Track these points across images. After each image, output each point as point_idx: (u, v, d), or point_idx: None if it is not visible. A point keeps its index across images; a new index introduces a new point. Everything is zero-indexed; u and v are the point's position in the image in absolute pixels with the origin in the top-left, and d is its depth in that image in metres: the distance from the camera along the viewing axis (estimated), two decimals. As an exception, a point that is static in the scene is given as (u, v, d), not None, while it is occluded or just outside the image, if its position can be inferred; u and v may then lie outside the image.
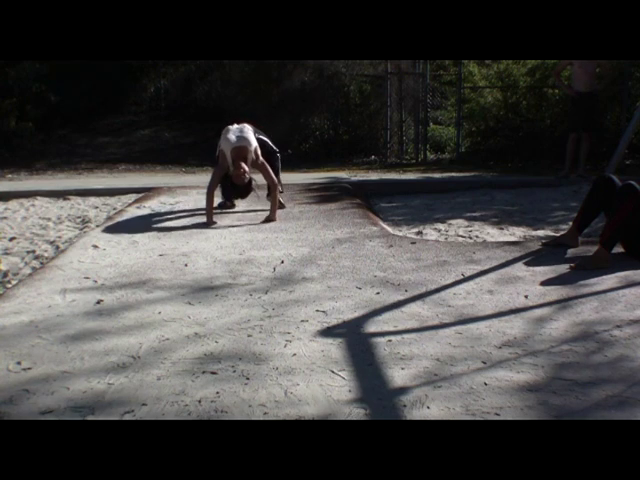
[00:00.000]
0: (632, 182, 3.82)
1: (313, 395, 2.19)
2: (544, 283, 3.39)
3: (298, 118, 11.08)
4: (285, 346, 2.61)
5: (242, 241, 4.46)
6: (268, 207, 5.26)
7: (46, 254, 4.44)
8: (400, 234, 4.89)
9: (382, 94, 10.76)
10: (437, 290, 3.30)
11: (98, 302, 3.18)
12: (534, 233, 4.99)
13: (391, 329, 2.78)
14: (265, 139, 5.60)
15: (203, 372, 2.37)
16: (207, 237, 4.62)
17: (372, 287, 3.36)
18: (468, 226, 5.28)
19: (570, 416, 2.02)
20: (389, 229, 5.01)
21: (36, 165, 10.23)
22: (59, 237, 4.95)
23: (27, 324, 2.90)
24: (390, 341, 2.65)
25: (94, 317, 2.98)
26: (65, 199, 6.83)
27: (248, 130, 5.29)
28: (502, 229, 5.15)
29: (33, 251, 4.52)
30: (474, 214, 5.81)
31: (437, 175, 8.37)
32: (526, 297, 3.18)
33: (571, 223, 4.21)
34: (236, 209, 5.62)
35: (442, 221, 5.50)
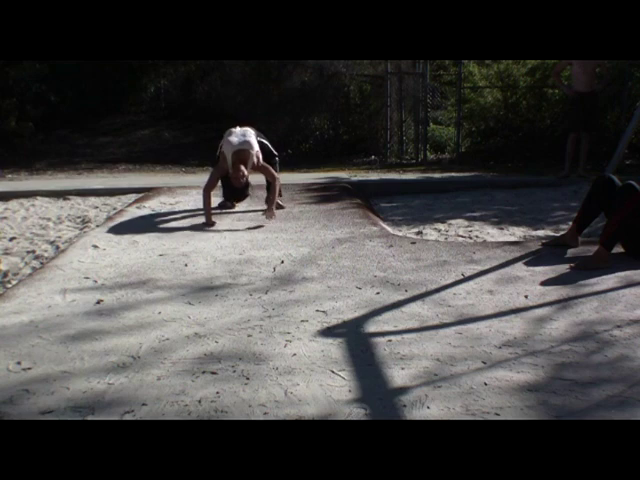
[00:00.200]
0: (632, 182, 3.82)
1: (313, 395, 2.19)
2: (544, 283, 3.39)
3: (298, 118, 11.08)
4: (285, 346, 2.61)
5: (242, 241, 4.46)
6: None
7: (46, 254, 4.44)
8: (400, 234, 4.89)
9: (382, 94, 10.76)
10: (437, 290, 3.30)
11: (98, 302, 3.18)
12: (534, 233, 4.99)
13: (391, 329, 2.78)
14: (265, 142, 5.60)
15: (203, 372, 2.37)
16: (207, 237, 4.62)
17: (372, 287, 3.36)
18: (468, 226, 5.28)
19: (570, 416, 2.02)
20: (389, 229, 5.01)
21: (36, 165, 10.23)
22: (59, 237, 4.95)
23: (27, 324, 2.90)
24: (390, 341, 2.65)
25: (94, 317, 2.98)
26: (65, 199, 6.83)
27: (251, 134, 5.30)
28: (502, 229, 5.16)
29: (33, 251, 4.52)
30: (474, 214, 5.81)
31: (437, 175, 8.36)
32: (526, 297, 3.18)
33: (571, 223, 4.21)
34: (236, 209, 5.62)
35: (442, 221, 5.50)
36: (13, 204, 6.54)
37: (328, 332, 2.76)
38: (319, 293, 3.28)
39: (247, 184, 5.15)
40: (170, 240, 4.52)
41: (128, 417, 2.06)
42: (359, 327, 2.82)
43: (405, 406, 2.10)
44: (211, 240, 4.51)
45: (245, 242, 4.42)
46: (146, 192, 6.83)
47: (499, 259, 3.86)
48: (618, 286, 3.33)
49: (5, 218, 5.80)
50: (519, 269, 3.66)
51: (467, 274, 3.57)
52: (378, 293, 3.26)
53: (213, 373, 2.37)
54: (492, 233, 5.01)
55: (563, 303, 3.09)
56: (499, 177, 8.14)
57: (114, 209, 6.08)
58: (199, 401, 2.15)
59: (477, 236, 4.89)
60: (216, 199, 5.54)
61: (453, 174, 8.43)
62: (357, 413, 2.06)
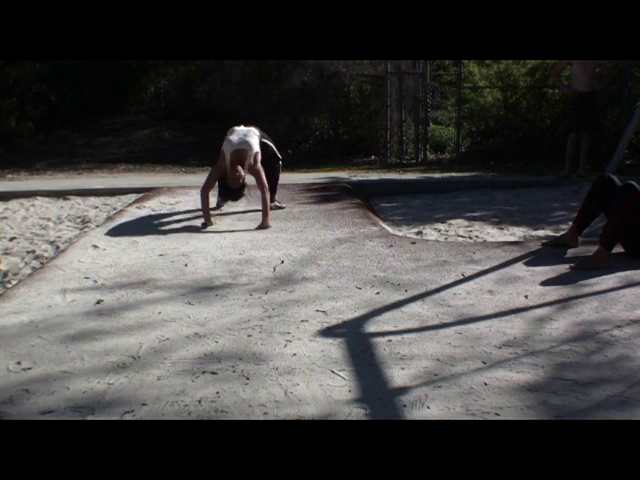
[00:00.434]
0: (632, 182, 3.82)
1: (313, 395, 2.19)
2: (544, 283, 3.39)
3: (298, 118, 11.08)
4: (285, 346, 2.61)
5: (242, 241, 4.46)
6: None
7: (46, 254, 4.44)
8: (400, 234, 4.89)
9: (382, 94, 10.76)
10: (437, 290, 3.30)
11: (98, 302, 3.18)
12: (534, 233, 4.99)
13: (391, 329, 2.78)
14: (270, 144, 5.52)
15: (203, 372, 2.37)
16: (207, 237, 4.62)
17: (372, 287, 3.36)
18: (468, 226, 5.28)
19: (570, 416, 2.02)
20: (389, 229, 5.01)
21: (36, 165, 10.23)
22: (59, 237, 4.95)
23: (27, 324, 2.90)
24: (390, 341, 2.65)
25: (94, 317, 2.98)
26: (65, 199, 6.83)
27: (253, 134, 5.21)
28: (502, 229, 5.16)
29: (33, 251, 4.52)
30: (474, 214, 5.81)
31: (437, 175, 8.36)
32: (526, 297, 3.18)
33: (571, 223, 4.21)
34: (236, 209, 5.60)
35: (442, 221, 5.50)
36: (13, 204, 6.54)
37: (328, 332, 2.76)
38: (319, 293, 3.28)
39: (243, 185, 5.06)
40: (170, 240, 4.52)
41: (128, 417, 2.06)
42: (359, 327, 2.82)
43: (405, 406, 2.10)
44: (211, 240, 4.51)
45: (245, 242, 4.42)
46: (146, 192, 6.83)
47: (499, 259, 3.86)
48: (618, 286, 3.33)
49: (5, 218, 5.80)
50: (519, 269, 3.66)
51: (467, 274, 3.57)
52: (378, 293, 3.26)
53: (213, 373, 2.37)
54: (492, 233, 5.01)
55: (563, 303, 3.09)
56: (499, 177, 8.14)
57: (114, 209, 6.08)
58: (199, 401, 2.15)
59: (477, 236, 4.89)
60: (213, 199, 5.53)
61: (453, 174, 8.43)
62: (357, 413, 2.06)
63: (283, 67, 11.18)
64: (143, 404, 2.14)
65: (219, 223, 5.08)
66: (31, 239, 4.92)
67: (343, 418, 2.03)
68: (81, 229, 5.24)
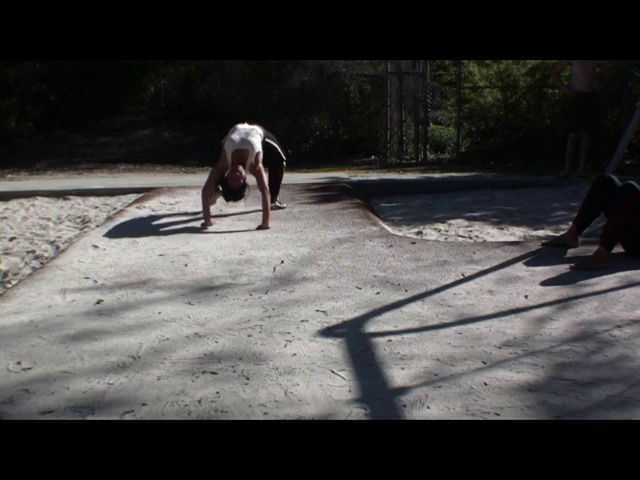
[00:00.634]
0: (632, 182, 3.82)
1: (313, 395, 2.19)
2: (544, 283, 3.39)
3: (298, 118, 11.08)
4: (285, 346, 2.61)
5: (242, 241, 4.46)
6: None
7: (46, 254, 4.44)
8: (400, 234, 4.88)
9: (382, 94, 10.76)
10: (437, 290, 3.30)
11: (98, 302, 3.18)
12: (534, 233, 4.99)
13: (391, 329, 2.78)
14: (274, 145, 5.46)
15: (203, 372, 2.37)
16: (207, 237, 4.62)
17: (372, 287, 3.36)
18: (468, 226, 5.28)
19: (570, 416, 2.02)
20: (389, 229, 5.01)
21: (36, 165, 10.23)
22: (59, 237, 4.95)
23: (27, 324, 2.90)
24: (390, 341, 2.65)
25: (94, 317, 2.98)
26: (65, 199, 6.83)
27: (256, 133, 5.14)
28: (502, 229, 5.16)
29: (33, 251, 4.52)
30: (474, 214, 5.81)
31: (437, 175, 8.37)
32: (526, 297, 3.18)
33: (571, 223, 4.21)
34: (236, 209, 5.60)
35: (442, 221, 5.50)
36: (13, 204, 6.54)
37: (328, 332, 2.76)
38: (319, 293, 3.28)
39: (244, 185, 5.00)
40: (170, 240, 4.52)
41: (128, 417, 2.06)
42: (359, 327, 2.82)
43: (405, 406, 2.10)
44: (211, 240, 4.51)
45: (245, 242, 4.42)
46: (146, 192, 6.83)
47: (499, 259, 3.86)
48: (618, 286, 3.33)
49: (5, 218, 5.80)
50: (519, 269, 3.66)
51: (467, 274, 3.57)
52: (378, 293, 3.26)
53: (213, 373, 2.37)
54: (492, 233, 5.01)
55: (563, 303, 3.09)
56: (499, 177, 8.14)
57: (114, 209, 6.08)
58: (199, 401, 2.15)
59: (477, 236, 4.89)
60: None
61: (453, 174, 8.43)
62: (357, 413, 2.06)
63: (283, 67, 11.18)
64: (143, 404, 2.14)
65: (219, 223, 5.08)
66: (31, 239, 4.92)
67: (343, 418, 2.03)
68: (81, 229, 5.24)
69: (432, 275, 3.56)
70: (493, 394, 2.18)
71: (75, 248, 4.34)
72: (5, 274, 4.03)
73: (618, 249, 3.84)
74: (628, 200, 3.71)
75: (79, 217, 5.78)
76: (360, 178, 8.05)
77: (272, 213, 5.11)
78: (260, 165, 5.02)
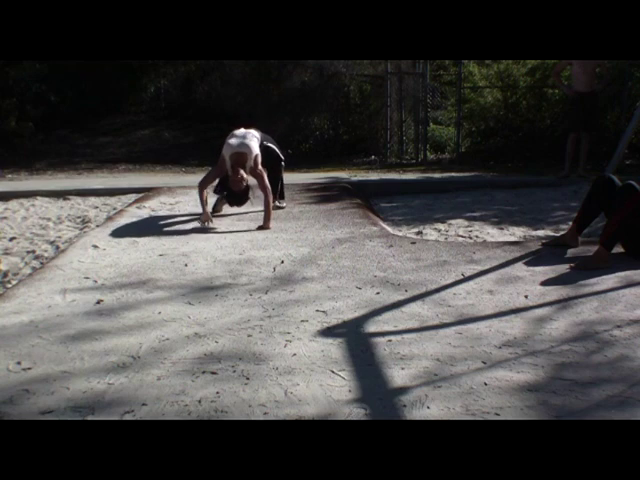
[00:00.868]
0: (632, 182, 3.82)
1: (313, 395, 2.19)
2: (544, 283, 3.39)
3: (298, 118, 11.08)
4: (285, 346, 2.61)
5: (242, 241, 4.46)
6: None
7: (46, 254, 4.44)
8: (400, 234, 4.89)
9: (382, 94, 10.76)
10: (437, 290, 3.30)
11: (98, 302, 3.18)
12: (534, 233, 4.99)
13: (391, 329, 2.78)
14: (272, 146, 5.50)
15: (203, 372, 2.37)
16: (207, 237, 4.62)
17: (372, 287, 3.36)
18: (468, 226, 5.28)
19: (570, 416, 2.02)
20: (389, 229, 5.01)
21: (36, 165, 10.23)
22: (59, 237, 4.95)
23: (27, 324, 2.90)
24: (390, 341, 2.65)
25: (94, 317, 2.98)
26: (65, 199, 6.83)
27: (252, 137, 5.17)
28: (502, 229, 5.16)
29: (33, 251, 4.52)
30: (474, 214, 5.81)
31: (437, 175, 8.37)
32: (526, 297, 3.18)
33: (571, 223, 4.21)
34: (236, 209, 5.59)
35: (442, 221, 5.50)
36: (13, 204, 6.54)
37: (328, 332, 2.76)
38: (319, 293, 3.28)
39: (247, 188, 5.01)
40: (170, 240, 4.52)
41: (128, 417, 2.06)
42: (359, 327, 2.82)
43: (405, 406, 2.10)
44: (211, 240, 4.51)
45: (245, 242, 4.42)
46: (146, 192, 6.83)
47: (499, 259, 3.86)
48: (618, 286, 3.33)
49: (5, 218, 5.80)
50: (519, 269, 3.66)
51: (467, 274, 3.57)
52: (378, 293, 3.26)
53: (213, 373, 2.37)
54: (492, 233, 5.01)
55: (563, 303, 3.09)
56: (499, 177, 8.14)
57: (114, 209, 6.09)
58: (199, 401, 2.15)
59: (477, 236, 4.89)
60: (211, 200, 5.52)
61: (453, 174, 8.43)
62: (357, 413, 2.06)
63: (283, 67, 11.18)
64: (143, 404, 2.14)
65: (219, 223, 5.08)
66: (31, 239, 4.92)
67: (343, 418, 2.03)
68: (81, 229, 5.24)
69: (432, 275, 3.56)
70: (493, 394, 2.18)
71: (75, 248, 4.34)
72: (5, 274, 4.03)
73: (618, 249, 3.84)
74: (628, 200, 3.71)
75: (79, 217, 5.78)
76: (360, 178, 8.05)
77: (272, 213, 5.11)
78: (260, 167, 5.04)
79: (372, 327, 2.82)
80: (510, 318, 2.90)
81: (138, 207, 5.92)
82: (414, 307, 3.06)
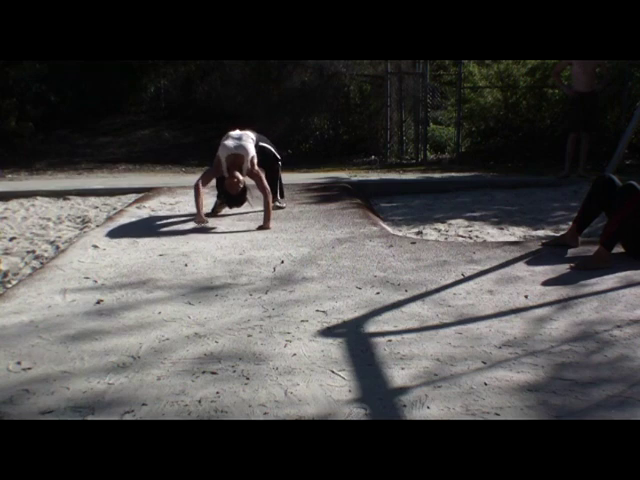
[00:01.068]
0: (633, 182, 3.82)
1: (313, 395, 2.19)
2: (544, 283, 3.39)
3: (298, 118, 11.08)
4: (285, 346, 2.61)
5: (242, 241, 4.46)
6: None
7: (46, 254, 4.44)
8: (400, 234, 4.89)
9: (382, 94, 10.76)
10: (437, 290, 3.30)
11: (98, 302, 3.18)
12: (534, 233, 4.99)
13: (391, 329, 2.78)
14: (268, 146, 5.49)
15: (203, 372, 2.37)
16: (207, 237, 4.62)
17: (372, 287, 3.36)
18: (468, 226, 5.28)
19: (570, 416, 2.02)
20: (389, 229, 5.01)
21: (36, 165, 10.23)
22: (59, 237, 4.95)
23: (27, 324, 2.90)
24: (390, 341, 2.65)
25: (94, 317, 2.98)
26: (65, 199, 6.83)
27: (248, 138, 5.14)
28: (502, 229, 5.16)
29: (33, 251, 4.52)
30: (474, 214, 5.81)
31: (437, 175, 8.37)
32: (526, 297, 3.18)
33: (571, 223, 4.21)
34: (236, 209, 5.58)
35: (442, 221, 5.50)
36: (13, 204, 6.55)
37: (328, 332, 2.76)
38: (319, 293, 3.28)
39: (245, 190, 4.99)
40: (170, 240, 4.52)
41: (128, 417, 2.05)
42: (359, 327, 2.82)
43: (405, 406, 2.10)
44: (211, 240, 4.51)
45: (245, 242, 4.42)
46: (146, 192, 6.83)
47: (499, 259, 3.86)
48: (618, 286, 3.33)
49: (5, 218, 5.80)
50: (519, 269, 3.66)
51: (467, 274, 3.57)
52: (378, 293, 3.26)
53: (213, 373, 2.37)
54: (492, 233, 5.01)
55: (563, 303, 3.09)
56: (499, 177, 8.14)
57: (114, 209, 6.09)
58: (199, 401, 2.15)
59: (477, 236, 4.89)
60: (210, 200, 5.52)
61: (453, 174, 8.43)
62: (357, 413, 2.06)
63: (283, 67, 11.18)
64: (143, 404, 2.14)
65: (219, 223, 5.08)
66: (31, 239, 4.92)
67: (343, 418, 2.03)
68: (81, 229, 5.24)
69: (432, 275, 3.56)
70: (493, 394, 2.18)
71: (75, 248, 4.34)
72: (5, 274, 4.03)
73: (618, 249, 3.83)
74: (628, 200, 3.71)
75: (79, 217, 5.78)
76: (360, 178, 8.05)
77: (272, 213, 5.11)
78: (257, 168, 5.04)
79: (372, 327, 2.82)
80: (510, 318, 2.90)
81: (138, 207, 5.92)
82: (414, 307, 3.06)
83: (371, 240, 4.42)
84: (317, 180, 7.68)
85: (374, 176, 8.41)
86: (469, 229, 5.16)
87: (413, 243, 4.34)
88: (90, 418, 2.05)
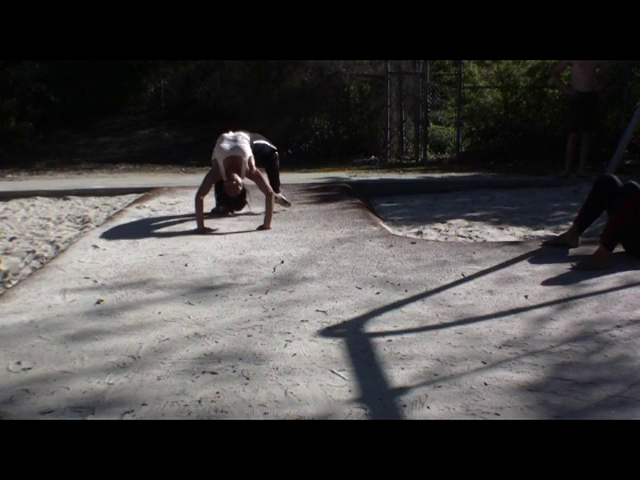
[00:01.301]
0: (633, 182, 3.82)
1: (313, 395, 2.19)
2: (544, 283, 3.39)
3: (298, 118, 11.07)
4: (285, 346, 2.61)
5: (242, 241, 4.46)
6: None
7: (46, 254, 4.44)
8: (400, 234, 4.89)
9: (382, 94, 10.76)
10: (437, 290, 3.30)
11: (98, 302, 3.18)
12: (534, 233, 4.99)
13: (391, 329, 2.78)
14: (263, 142, 5.46)
15: (203, 372, 2.37)
16: (207, 237, 4.62)
17: (372, 287, 3.36)
18: (468, 226, 5.28)
19: (570, 416, 2.02)
20: (389, 229, 5.01)
21: (36, 165, 10.23)
22: (59, 237, 4.95)
23: (27, 324, 2.90)
24: (390, 341, 2.65)
25: (94, 317, 2.98)
26: (65, 199, 6.83)
27: (243, 139, 5.09)
28: (502, 229, 5.16)
29: (33, 251, 4.52)
30: (474, 214, 5.81)
31: (437, 175, 8.37)
32: (526, 297, 3.18)
33: (571, 223, 4.21)
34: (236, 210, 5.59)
35: (442, 221, 5.50)
36: (13, 204, 6.55)
37: (328, 332, 2.76)
38: (319, 293, 3.28)
39: (244, 192, 4.97)
40: (170, 240, 4.52)
41: (128, 417, 2.06)
42: (359, 327, 2.82)
43: (405, 406, 2.10)
44: (211, 240, 4.51)
45: (245, 242, 4.42)
46: (146, 192, 6.83)
47: (499, 259, 3.86)
48: (618, 286, 3.33)
49: (5, 218, 5.80)
50: (519, 269, 3.66)
51: (467, 274, 3.57)
52: (378, 293, 3.26)
53: (213, 373, 2.37)
54: (492, 233, 5.01)
55: (563, 303, 3.09)
56: (499, 177, 8.14)
57: (114, 209, 6.09)
58: (199, 401, 2.15)
59: (477, 236, 4.89)
60: (210, 200, 5.52)
61: (453, 174, 8.43)
62: (357, 413, 2.06)
63: (283, 67, 11.18)
64: (143, 404, 2.14)
65: (219, 223, 5.08)
66: (31, 239, 4.92)
67: (343, 418, 2.03)
68: (81, 229, 5.24)
69: (432, 275, 3.56)
70: (493, 394, 2.18)
71: (75, 248, 4.34)
72: (5, 274, 4.03)
73: (618, 249, 3.83)
74: (629, 200, 3.71)
75: (79, 217, 5.78)
76: (360, 178, 8.05)
77: (272, 213, 5.10)
78: (256, 169, 5.00)
79: (372, 327, 2.82)
80: (510, 318, 2.90)
81: (138, 207, 5.92)
82: (414, 307, 3.06)
83: (371, 240, 4.42)
84: (317, 180, 7.68)
85: (374, 176, 8.41)
86: (469, 229, 5.16)
87: (413, 243, 4.34)
88: (90, 418, 2.05)
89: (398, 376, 2.32)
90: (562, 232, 4.44)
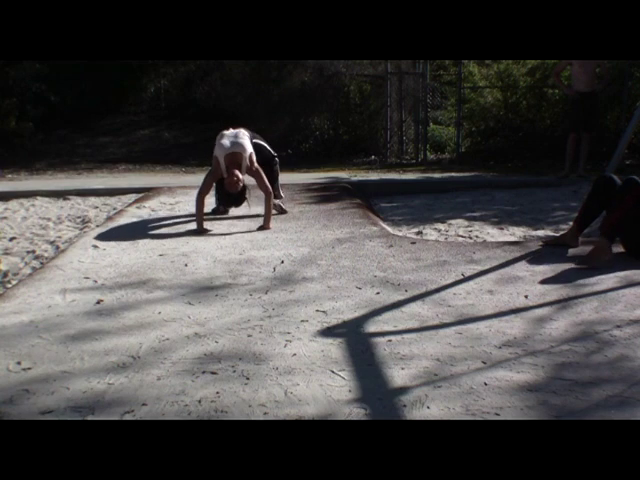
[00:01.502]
0: (634, 177, 3.82)
1: (313, 395, 2.19)
2: (544, 283, 3.39)
3: (298, 118, 11.07)
4: (285, 346, 2.61)
5: (242, 241, 4.46)
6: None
7: (46, 254, 4.44)
8: (400, 234, 4.89)
9: (382, 94, 10.76)
10: (437, 290, 3.30)
11: (98, 302, 3.18)
12: (534, 233, 4.99)
13: (391, 329, 2.78)
14: (263, 144, 5.43)
15: (203, 372, 2.37)
16: (207, 237, 4.62)
17: (372, 287, 3.36)
18: (468, 226, 5.28)
19: (570, 416, 2.02)
20: (389, 229, 5.01)
21: (36, 165, 10.23)
22: (59, 237, 4.95)
23: (27, 324, 2.90)
24: (390, 341, 2.65)
25: (94, 317, 2.98)
26: (65, 199, 6.83)
27: (243, 135, 5.08)
28: (502, 229, 5.16)
29: (33, 251, 4.52)
30: (474, 214, 5.81)
31: (437, 175, 8.37)
32: (526, 297, 3.18)
33: (571, 223, 4.21)
34: (236, 210, 5.59)
35: (442, 221, 5.50)
36: (13, 204, 6.55)
37: (328, 332, 2.76)
38: (319, 293, 3.28)
39: (244, 189, 4.94)
40: (170, 240, 4.52)
41: (128, 417, 2.06)
42: (359, 327, 2.82)
43: (405, 406, 2.10)
44: (211, 240, 4.51)
45: (245, 242, 4.42)
46: (146, 192, 6.83)
47: (499, 259, 3.86)
48: (618, 286, 3.33)
49: (5, 218, 5.80)
50: (519, 269, 3.66)
51: (467, 274, 3.57)
52: (378, 293, 3.26)
53: (213, 373, 2.37)
54: (492, 233, 5.01)
55: (563, 303, 3.09)
56: (499, 177, 8.14)
57: (114, 209, 6.09)
58: (199, 401, 2.15)
59: (477, 236, 4.89)
60: (209, 201, 5.51)
61: (453, 174, 8.43)
62: (357, 413, 2.06)
63: (283, 67, 11.18)
64: (143, 404, 2.14)
65: (219, 223, 5.08)
66: (31, 239, 4.92)
67: (343, 418, 2.03)
68: (81, 229, 5.24)
69: (432, 275, 3.56)
70: (493, 394, 2.18)
71: (75, 248, 4.34)
72: (5, 274, 4.03)
73: (618, 249, 3.84)
74: (629, 194, 3.72)
75: (79, 217, 5.78)
76: (360, 178, 8.05)
77: (272, 214, 5.09)
78: (256, 165, 4.97)
79: (372, 327, 2.82)
80: (510, 318, 2.90)
81: (138, 207, 5.92)
82: (414, 307, 3.06)
83: (371, 240, 4.42)
84: (317, 180, 7.68)
85: (374, 176, 8.41)
86: (469, 229, 5.16)
87: (413, 243, 4.34)
88: (90, 418, 2.05)
89: (398, 376, 2.32)
90: (562, 232, 4.44)
